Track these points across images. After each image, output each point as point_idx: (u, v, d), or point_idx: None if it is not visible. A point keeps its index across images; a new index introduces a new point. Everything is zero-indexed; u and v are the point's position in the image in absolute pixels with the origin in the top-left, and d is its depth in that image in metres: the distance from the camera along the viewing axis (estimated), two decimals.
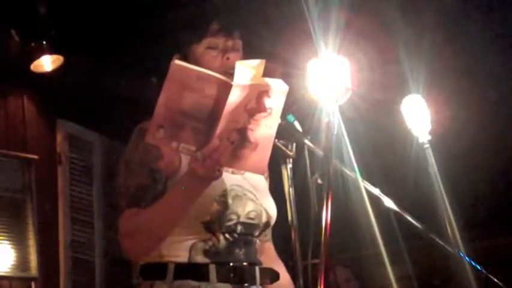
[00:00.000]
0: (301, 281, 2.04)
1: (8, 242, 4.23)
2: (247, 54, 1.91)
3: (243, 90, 1.78)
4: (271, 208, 2.16)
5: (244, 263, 2.06)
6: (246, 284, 2.04)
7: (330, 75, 1.99)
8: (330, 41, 2.05)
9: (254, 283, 2.07)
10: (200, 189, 1.91)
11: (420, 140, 2.89)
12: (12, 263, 4.21)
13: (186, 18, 2.13)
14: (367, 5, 4.10)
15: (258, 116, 1.83)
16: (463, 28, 4.40)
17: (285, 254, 2.34)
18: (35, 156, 4.50)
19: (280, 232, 2.29)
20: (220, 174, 1.89)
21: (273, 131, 1.87)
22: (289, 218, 2.06)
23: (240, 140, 1.83)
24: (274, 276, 2.16)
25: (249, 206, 2.09)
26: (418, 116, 2.90)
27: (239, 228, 2.07)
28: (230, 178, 2.06)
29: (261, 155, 1.87)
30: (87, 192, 4.85)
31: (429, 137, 2.88)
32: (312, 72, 2.01)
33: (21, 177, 4.41)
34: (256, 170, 1.92)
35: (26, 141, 4.57)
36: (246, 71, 1.78)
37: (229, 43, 2.10)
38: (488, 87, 4.78)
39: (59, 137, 4.76)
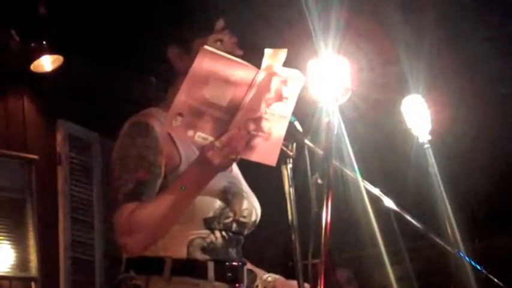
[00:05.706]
0: (301, 280, 2.03)
1: (8, 242, 4.22)
2: (248, 54, 1.91)
3: (266, 79, 1.77)
4: (258, 207, 2.16)
5: (236, 263, 2.05)
6: (236, 285, 2.03)
7: (330, 75, 1.99)
8: (330, 41, 2.04)
9: (243, 283, 2.06)
10: (208, 180, 1.88)
11: (420, 140, 2.89)
12: (12, 263, 4.21)
13: (190, 15, 2.13)
14: (367, 5, 4.10)
15: (274, 105, 1.82)
16: (463, 28, 4.40)
17: (285, 254, 2.34)
18: (35, 156, 4.50)
19: (280, 232, 2.28)
20: (231, 164, 1.87)
21: (286, 122, 1.86)
22: (289, 218, 2.05)
23: (254, 130, 1.81)
24: (253, 277, 2.17)
25: (244, 204, 2.08)
26: (418, 116, 2.90)
27: (234, 226, 2.06)
28: (225, 175, 2.03)
29: (273, 146, 1.85)
30: (87, 192, 4.84)
31: (429, 137, 2.88)
32: (312, 72, 2.01)
33: (21, 177, 4.40)
34: (267, 161, 1.88)
35: (26, 141, 4.56)
36: (270, 60, 1.77)
37: (234, 40, 2.10)
38: (488, 87, 4.79)
39: (59, 137, 4.75)
